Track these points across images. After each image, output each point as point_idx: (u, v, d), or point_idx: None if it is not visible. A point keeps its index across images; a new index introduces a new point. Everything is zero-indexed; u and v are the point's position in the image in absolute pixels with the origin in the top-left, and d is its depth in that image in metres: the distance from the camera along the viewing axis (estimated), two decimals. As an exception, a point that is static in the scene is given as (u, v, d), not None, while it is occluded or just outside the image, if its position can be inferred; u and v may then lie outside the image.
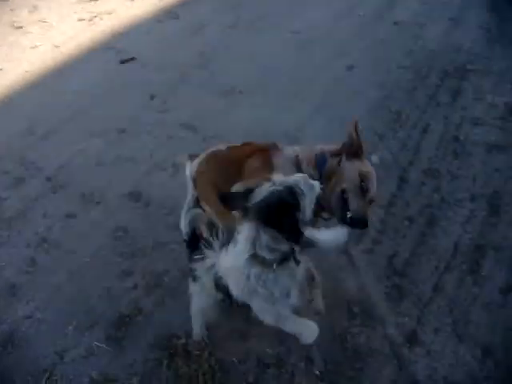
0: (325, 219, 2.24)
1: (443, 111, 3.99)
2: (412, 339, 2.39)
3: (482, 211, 3.09)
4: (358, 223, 2.08)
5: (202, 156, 2.43)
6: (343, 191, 2.09)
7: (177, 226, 2.98)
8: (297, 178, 1.66)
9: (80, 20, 5.81)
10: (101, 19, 5.82)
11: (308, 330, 1.87)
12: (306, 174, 1.72)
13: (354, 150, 2.13)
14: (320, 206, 2.01)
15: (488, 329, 2.43)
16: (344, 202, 2.09)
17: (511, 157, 3.50)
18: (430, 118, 3.92)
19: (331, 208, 2.14)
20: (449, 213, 3.08)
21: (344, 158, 2.14)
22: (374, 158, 3.46)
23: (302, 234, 1.62)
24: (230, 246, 1.80)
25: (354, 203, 2.07)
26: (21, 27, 5.68)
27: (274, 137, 3.57)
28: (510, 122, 3.83)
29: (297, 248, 1.76)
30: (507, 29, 5.09)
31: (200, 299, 2.17)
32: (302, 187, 1.62)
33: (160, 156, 3.64)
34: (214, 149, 2.45)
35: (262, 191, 1.61)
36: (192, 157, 2.47)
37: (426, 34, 5.12)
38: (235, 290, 1.82)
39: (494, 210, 3.08)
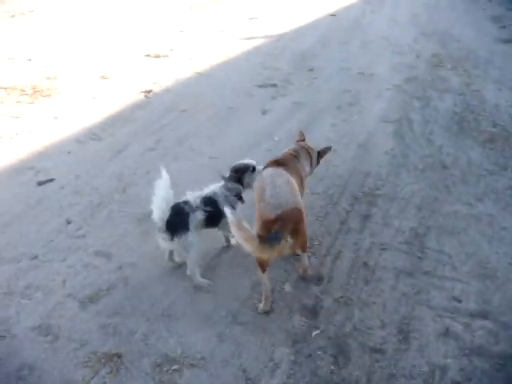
0: None
1: (353, 238, 4.19)
2: None
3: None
4: None
5: None
6: None
7: (86, 364, 3.02)
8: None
9: (-1, 137, 5.93)
10: (22, 137, 5.97)
11: None
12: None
13: None
14: None
15: None
16: None
17: (417, 281, 3.73)
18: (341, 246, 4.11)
19: None
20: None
21: None
22: (288, 286, 3.68)
23: None
24: None
25: None
26: None
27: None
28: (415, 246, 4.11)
29: None
30: (411, 154, 5.58)
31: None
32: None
33: (73, 285, 3.67)
34: None
35: None
36: None
37: (335, 161, 5.41)
38: None
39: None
